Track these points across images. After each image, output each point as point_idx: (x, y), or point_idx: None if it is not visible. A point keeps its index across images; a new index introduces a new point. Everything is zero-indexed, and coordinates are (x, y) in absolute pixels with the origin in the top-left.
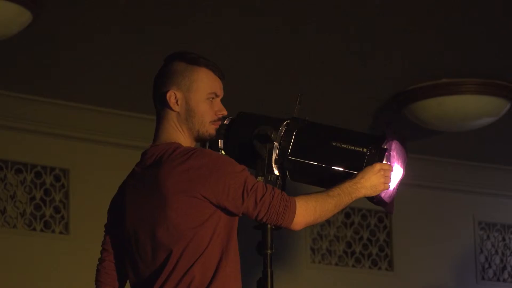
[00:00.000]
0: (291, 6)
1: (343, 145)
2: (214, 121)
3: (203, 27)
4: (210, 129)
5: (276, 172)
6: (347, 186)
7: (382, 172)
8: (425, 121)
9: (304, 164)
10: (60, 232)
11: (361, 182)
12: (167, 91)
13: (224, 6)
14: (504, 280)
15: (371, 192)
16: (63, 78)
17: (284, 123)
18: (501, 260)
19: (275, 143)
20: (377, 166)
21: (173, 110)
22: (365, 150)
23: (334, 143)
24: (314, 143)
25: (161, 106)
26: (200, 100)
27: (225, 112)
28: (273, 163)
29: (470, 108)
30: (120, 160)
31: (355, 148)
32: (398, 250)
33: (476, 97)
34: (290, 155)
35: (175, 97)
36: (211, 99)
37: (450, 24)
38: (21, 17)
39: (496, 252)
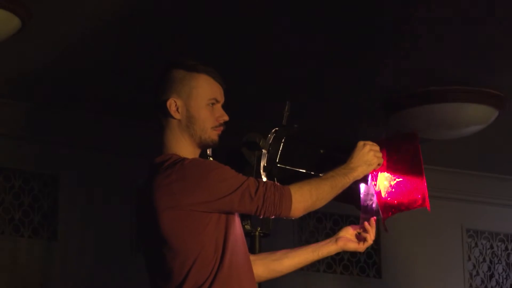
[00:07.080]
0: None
1: (331, 153)
2: (216, 127)
3: (197, 34)
4: (212, 135)
5: (265, 179)
6: (340, 168)
7: (372, 152)
8: (413, 129)
9: (293, 171)
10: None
11: (354, 162)
12: (167, 99)
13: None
14: None
15: (366, 169)
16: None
17: (273, 130)
18: (489, 268)
19: (263, 150)
20: (365, 146)
21: (174, 118)
22: None
23: (322, 151)
24: (303, 150)
25: (162, 115)
26: (200, 107)
27: (226, 118)
28: (261, 170)
29: (458, 116)
30: (108, 167)
31: (343, 156)
32: (386, 257)
33: (464, 105)
34: (278, 162)
35: (176, 105)
36: (211, 105)
37: (438, 32)
38: (9, 23)
39: (484, 259)
